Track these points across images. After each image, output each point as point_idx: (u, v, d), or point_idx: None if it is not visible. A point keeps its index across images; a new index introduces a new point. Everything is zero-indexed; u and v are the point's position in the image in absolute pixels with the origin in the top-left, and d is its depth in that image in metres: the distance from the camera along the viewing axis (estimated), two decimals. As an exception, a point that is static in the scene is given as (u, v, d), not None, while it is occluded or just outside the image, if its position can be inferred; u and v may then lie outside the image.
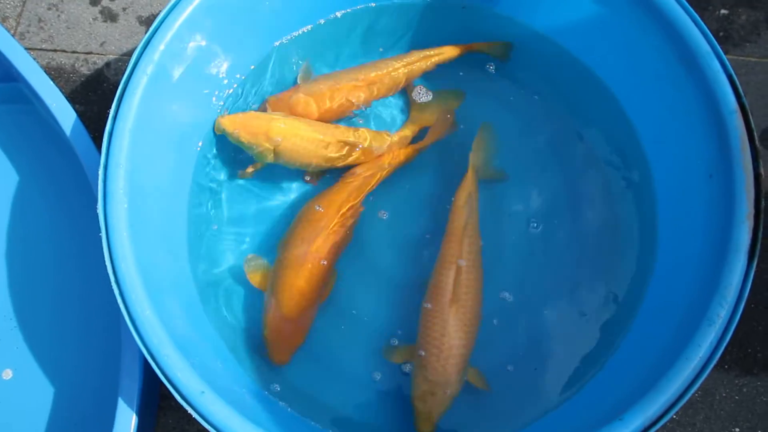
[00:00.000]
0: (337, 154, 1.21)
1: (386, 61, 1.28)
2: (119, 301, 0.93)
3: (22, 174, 1.35)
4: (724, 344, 0.92)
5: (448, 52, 1.30)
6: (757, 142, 1.01)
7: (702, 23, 1.07)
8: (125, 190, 0.99)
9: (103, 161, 1.00)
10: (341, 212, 1.17)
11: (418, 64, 1.28)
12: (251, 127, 1.17)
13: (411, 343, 1.12)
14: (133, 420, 1.03)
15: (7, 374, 1.23)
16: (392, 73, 1.27)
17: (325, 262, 1.14)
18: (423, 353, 1.08)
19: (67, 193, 1.33)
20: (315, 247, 1.14)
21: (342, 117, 1.29)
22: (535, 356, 1.16)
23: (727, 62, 1.04)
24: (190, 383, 0.90)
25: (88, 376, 1.22)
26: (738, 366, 1.30)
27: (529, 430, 1.06)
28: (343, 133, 1.22)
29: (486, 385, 1.11)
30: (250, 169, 1.24)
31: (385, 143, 1.24)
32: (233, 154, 1.27)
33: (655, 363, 0.97)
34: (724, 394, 1.29)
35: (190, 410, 0.89)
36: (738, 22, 1.52)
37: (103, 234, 0.96)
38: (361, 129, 1.25)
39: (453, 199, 1.18)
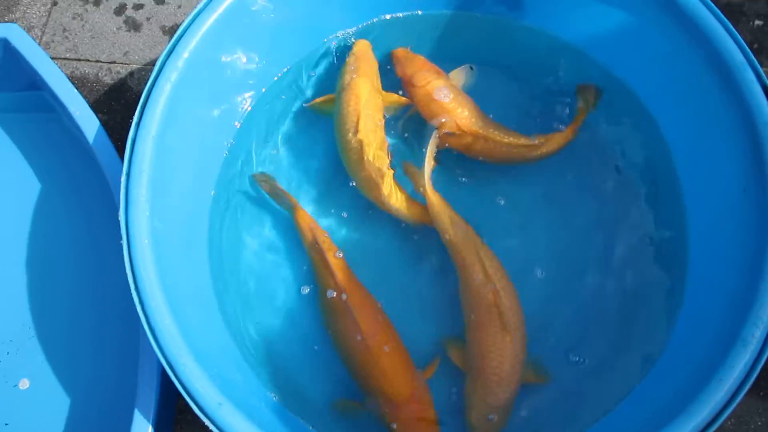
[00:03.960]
0: (355, 156, 1.18)
1: (517, 136, 1.21)
2: (139, 309, 0.92)
3: (45, 181, 1.35)
4: (759, 366, 0.88)
5: (559, 139, 1.22)
6: (791, 155, 0.98)
7: (736, 33, 1.04)
8: (147, 198, 0.98)
9: (125, 169, 0.99)
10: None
11: (537, 150, 1.21)
12: (362, 56, 1.25)
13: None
14: (150, 432, 1.01)
15: (24, 384, 1.22)
16: (512, 149, 1.21)
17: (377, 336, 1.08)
18: (481, 378, 1.07)
19: (89, 201, 1.32)
20: (364, 329, 1.08)
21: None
22: (563, 380, 1.13)
23: (762, 73, 1.02)
24: (209, 394, 0.88)
25: (104, 388, 1.21)
26: (776, 394, 1.26)
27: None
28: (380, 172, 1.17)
29: (543, 376, 1.11)
30: (317, 101, 1.27)
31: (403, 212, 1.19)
32: (259, 162, 1.27)
33: (686, 385, 0.93)
34: (759, 423, 1.24)
35: (207, 422, 0.87)
36: (773, 33, 1.49)
37: (124, 242, 0.95)
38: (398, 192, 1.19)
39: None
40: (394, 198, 1.18)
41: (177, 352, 0.89)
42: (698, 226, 1.13)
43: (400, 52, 1.29)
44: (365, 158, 1.16)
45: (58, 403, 1.20)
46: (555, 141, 1.21)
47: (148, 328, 0.91)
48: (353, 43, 1.28)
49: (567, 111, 1.29)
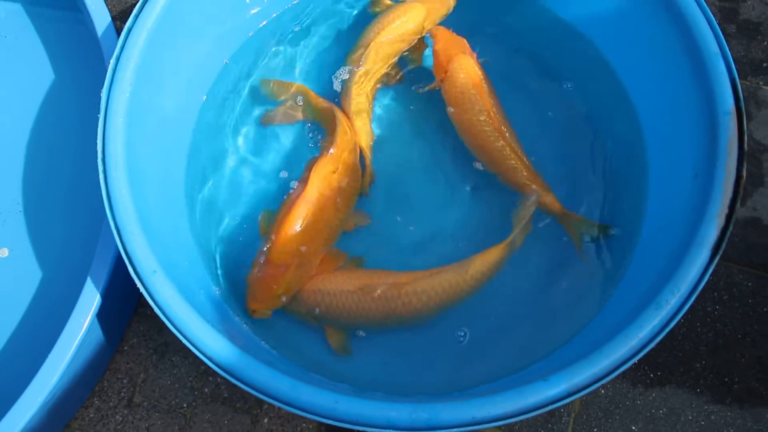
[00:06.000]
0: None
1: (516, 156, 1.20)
2: (101, 175, 0.98)
3: (61, 75, 1.45)
4: (666, 331, 0.91)
5: (549, 200, 1.20)
6: (746, 147, 1.00)
7: (717, 26, 1.07)
8: (131, 81, 1.05)
9: (116, 53, 1.06)
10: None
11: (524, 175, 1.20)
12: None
13: None
14: (96, 300, 1.08)
15: (4, 252, 1.32)
16: (509, 163, 1.20)
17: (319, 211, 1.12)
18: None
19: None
20: (308, 189, 1.12)
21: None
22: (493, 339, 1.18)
23: (734, 68, 1.04)
24: (146, 260, 0.94)
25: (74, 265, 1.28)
26: (711, 392, 1.27)
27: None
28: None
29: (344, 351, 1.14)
30: None
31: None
32: (258, 76, 1.34)
33: (602, 341, 0.96)
34: (690, 417, 1.25)
35: (139, 285, 0.93)
36: (785, 53, 1.50)
37: (101, 115, 1.02)
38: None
39: None
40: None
41: (125, 218, 0.95)
42: (655, 205, 1.16)
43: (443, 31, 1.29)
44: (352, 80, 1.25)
45: (30, 274, 1.29)
46: (544, 198, 1.19)
47: (105, 194, 0.97)
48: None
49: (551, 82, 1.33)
